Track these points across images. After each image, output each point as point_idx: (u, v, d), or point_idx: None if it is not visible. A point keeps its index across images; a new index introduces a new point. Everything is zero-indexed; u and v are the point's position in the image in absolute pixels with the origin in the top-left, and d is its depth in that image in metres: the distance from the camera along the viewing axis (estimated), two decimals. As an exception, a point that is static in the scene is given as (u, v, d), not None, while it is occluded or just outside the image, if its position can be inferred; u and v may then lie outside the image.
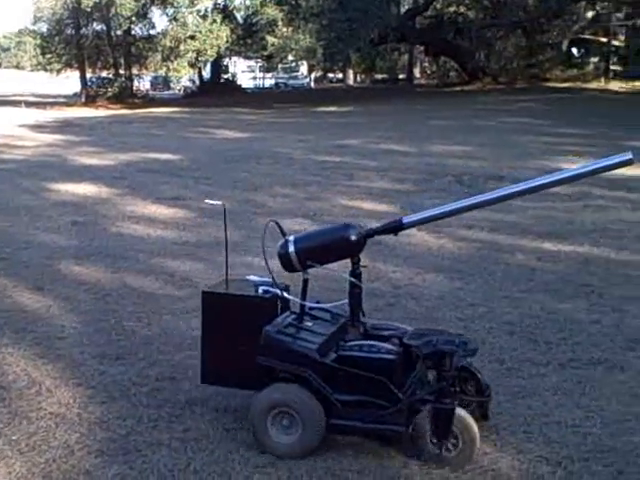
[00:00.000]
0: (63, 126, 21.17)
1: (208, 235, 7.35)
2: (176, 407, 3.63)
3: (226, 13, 32.45)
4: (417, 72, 44.34)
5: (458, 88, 30.38)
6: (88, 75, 36.38)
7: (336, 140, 15.16)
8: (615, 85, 27.13)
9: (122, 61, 37.22)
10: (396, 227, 3.30)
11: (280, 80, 48.82)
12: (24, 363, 4.19)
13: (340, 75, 46.97)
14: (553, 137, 14.81)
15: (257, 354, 3.15)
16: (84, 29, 35.47)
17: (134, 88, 37.46)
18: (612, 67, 31.09)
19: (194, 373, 4.00)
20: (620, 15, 30.86)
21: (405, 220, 3.29)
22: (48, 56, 36.43)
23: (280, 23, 31.98)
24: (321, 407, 3.07)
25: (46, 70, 37.84)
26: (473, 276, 5.86)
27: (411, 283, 5.75)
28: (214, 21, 31.48)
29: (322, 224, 7.72)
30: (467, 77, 32.11)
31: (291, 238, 3.30)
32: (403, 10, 33.07)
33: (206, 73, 39.82)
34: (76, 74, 36.83)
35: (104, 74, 37.58)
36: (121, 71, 37.16)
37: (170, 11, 33.28)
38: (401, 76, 44.38)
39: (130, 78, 37.17)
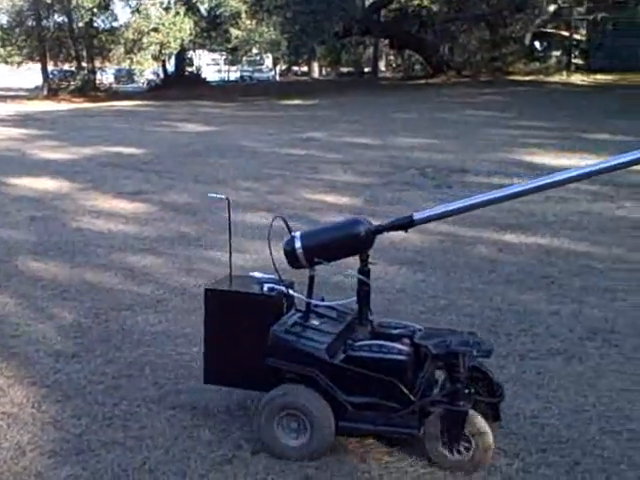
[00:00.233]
0: (24, 120, 20.84)
1: (169, 230, 7.28)
2: (132, 405, 3.56)
3: (189, 5, 32.06)
4: (382, 65, 44.41)
5: (423, 81, 30.45)
6: (50, 68, 35.85)
7: (301, 133, 15.11)
8: (577, 78, 27.41)
9: (84, 54, 36.72)
10: (406, 223, 3.20)
11: (245, 73, 48.54)
12: (-23, 362, 4.10)
13: (305, 68, 46.86)
14: (516, 130, 14.92)
15: (264, 355, 3.07)
16: (45, 21, 34.94)
17: (97, 81, 37.00)
18: (574, 61, 31.43)
19: (151, 370, 3.96)
20: (581, 9, 31.18)
21: (416, 216, 3.17)
22: (8, 48, 35.77)
23: (244, 16, 31.72)
24: (330, 409, 3.00)
25: (6, 63, 37.17)
26: (435, 269, 5.86)
27: (373, 276, 5.72)
28: (177, 13, 31.11)
29: (286, 217, 7.68)
30: (432, 70, 32.19)
31: (297, 234, 3.21)
32: (367, 3, 33.04)
33: (170, 66, 39.42)
34: (37, 67, 36.27)
35: (66, 67, 37.08)
36: (84, 64, 36.65)
37: (133, 3, 32.90)
38: (367, 69, 44.38)
39: (93, 71, 36.68)
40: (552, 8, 31.57)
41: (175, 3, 31.74)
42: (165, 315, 4.84)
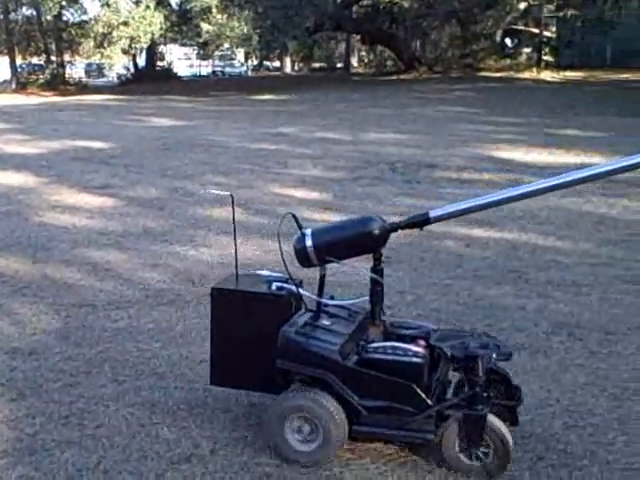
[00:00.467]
0: (-10, 114, 20.50)
1: (135, 225, 7.17)
2: (90, 403, 3.48)
3: (160, -1, 31.88)
4: (355, 61, 44.40)
5: (394, 77, 30.47)
6: (18, 61, 35.37)
7: (271, 128, 15.03)
8: (547, 75, 27.59)
9: (54, 47, 36.29)
10: (422, 221, 3.07)
11: (217, 68, 48.28)
12: None
13: (278, 63, 46.71)
14: (486, 125, 14.97)
15: (273, 356, 2.96)
16: (13, 14, 34.49)
17: (67, 75, 36.57)
18: (544, 57, 31.64)
19: (111, 367, 3.88)
20: (551, 7, 31.37)
21: (432, 214, 3.05)
22: (-24, 42, 35.30)
23: (215, 10, 31.51)
24: (343, 413, 2.90)
25: (-26, 56, 36.65)
26: (402, 263, 5.83)
27: (340, 271, 5.67)
28: (147, 7, 30.85)
29: (254, 213, 7.63)
30: (403, 66, 32.23)
31: (308, 231, 3.08)
32: (339, -1, 32.98)
33: (141, 60, 39.10)
34: (6, 60, 35.76)
35: (35, 60, 36.62)
36: (53, 58, 36.23)
37: (102, -4, 32.54)
38: (339, 65, 44.37)
39: (62, 65, 36.26)
40: (522, 5, 31.74)
41: (145, -4, 31.46)
42: (127, 311, 4.75)
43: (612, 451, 3.11)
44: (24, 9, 34.41)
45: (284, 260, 3.10)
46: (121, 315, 4.69)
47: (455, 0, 30.64)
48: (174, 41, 40.09)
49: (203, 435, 3.17)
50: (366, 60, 44.52)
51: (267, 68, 48.73)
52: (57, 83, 33.66)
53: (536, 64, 30.44)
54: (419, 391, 2.87)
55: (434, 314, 4.69)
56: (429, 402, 2.88)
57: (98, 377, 3.76)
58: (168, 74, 38.22)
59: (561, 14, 30.25)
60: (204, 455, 3.02)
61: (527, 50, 34.04)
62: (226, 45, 39.25)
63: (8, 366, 3.90)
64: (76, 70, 40.47)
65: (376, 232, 3.04)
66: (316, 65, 47.00)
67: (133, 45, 31.78)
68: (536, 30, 32.67)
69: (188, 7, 33.07)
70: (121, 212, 7.75)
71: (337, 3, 31.28)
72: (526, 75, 27.77)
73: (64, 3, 32.04)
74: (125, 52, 33.31)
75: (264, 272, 3.36)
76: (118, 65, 38.52)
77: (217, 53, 46.94)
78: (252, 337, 3.12)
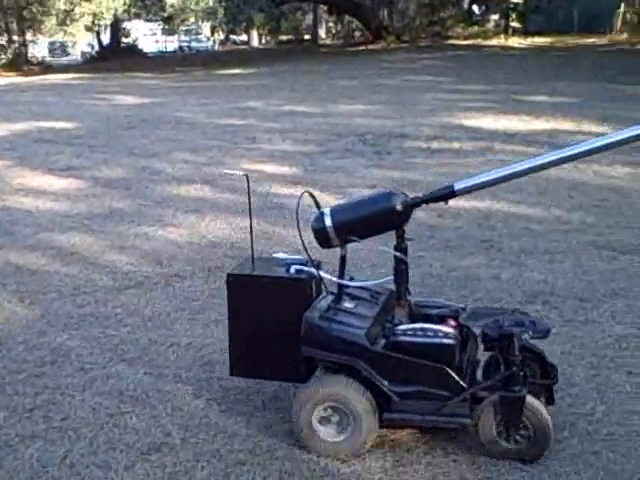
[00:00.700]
0: (-50, 96, 20.02)
1: (101, 206, 7.01)
2: (55, 394, 3.36)
3: (122, -26, 31.20)
4: (322, 32, 43.97)
5: (362, 47, 30.23)
6: (-22, 42, 34.55)
7: (239, 103, 14.80)
8: (515, 41, 27.52)
9: (15, 26, 35.46)
10: (447, 194, 2.91)
11: (183, 43, 47.61)
12: None
13: (245, 37, 46.16)
14: (455, 94, 14.86)
15: (296, 344, 2.84)
16: (-29, -7, 33.57)
17: (30, 55, 35.80)
18: (511, 24, 31.54)
19: (77, 355, 3.77)
20: (518, -28, 31.25)
21: (457, 186, 2.89)
22: None
23: (178, -17, 31.05)
24: (374, 400, 2.78)
25: None
26: (374, 239, 5.73)
27: (311, 247, 5.59)
28: (109, -18, 30.24)
29: (223, 190, 7.50)
30: (371, 36, 31.97)
31: (327, 210, 2.93)
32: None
33: (106, 37, 38.41)
34: (-35, 41, 34.92)
35: (-5, 41, 35.75)
36: (15, 37, 35.42)
37: (63, -28, 31.78)
38: (306, 37, 43.94)
39: (24, 44, 35.47)
40: (489, -29, 31.57)
41: (107, -29, 30.79)
42: (94, 296, 4.63)
43: (592, 421, 3.07)
44: (-18, -12, 33.49)
45: (303, 241, 2.94)
46: (87, 300, 4.57)
47: (421, -33, 30.38)
48: (138, 17, 39.32)
49: (174, 423, 3.08)
50: (334, 31, 44.12)
51: (234, 42, 48.14)
52: (20, 63, 32.89)
53: (504, 31, 30.36)
54: (452, 374, 2.75)
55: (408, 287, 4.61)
56: (463, 385, 2.77)
57: (64, 366, 3.65)
58: (133, 51, 37.57)
59: (528, -21, 30.14)
60: (175, 444, 2.93)
61: (495, 17, 33.94)
62: (191, 19, 38.69)
63: (-31, 358, 3.78)
64: (39, 49, 39.64)
65: (399, 208, 2.88)
66: (283, 38, 46.47)
67: (96, 22, 31.16)
68: (503, -4, 32.53)
69: (151, -19, 32.49)
70: (86, 193, 7.58)
71: (302, -27, 30.91)
72: (494, 42, 27.68)
73: (23, -20, 31.24)
74: (88, 29, 32.68)
75: (280, 255, 3.23)
76: (82, 43, 37.84)
77: (183, 28, 46.31)
78: (272, 324, 2.99)
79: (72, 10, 30.79)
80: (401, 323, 2.91)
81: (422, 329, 2.85)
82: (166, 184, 7.83)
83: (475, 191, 2.98)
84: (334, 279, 2.98)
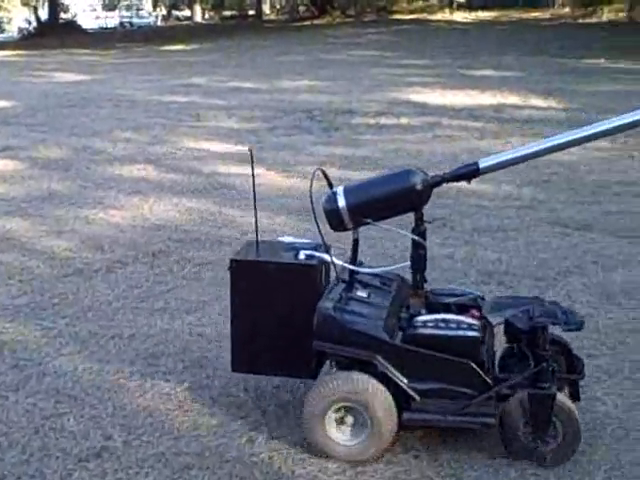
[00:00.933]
0: None
1: (39, 188, 6.70)
2: (-15, 395, 3.14)
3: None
4: (267, 8, 43.42)
5: (308, 23, 29.95)
6: None
7: (183, 79, 14.46)
8: (459, 16, 27.56)
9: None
10: (471, 172, 2.69)
11: (124, 19, 46.52)
12: None
13: (188, 12, 45.33)
14: (402, 69, 14.77)
15: (308, 336, 2.58)
16: None
17: (-38, 31, 34.65)
18: (456, -2, 31.60)
19: (10, 351, 3.53)
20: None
21: (482, 164, 2.67)
22: None
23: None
24: (392, 399, 2.55)
25: None
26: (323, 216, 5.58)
27: (260, 228, 5.42)
28: (45, -45, 29.32)
29: (167, 169, 7.25)
30: (316, 11, 31.70)
31: (340, 190, 2.69)
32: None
33: (44, 13, 37.28)
34: None
35: None
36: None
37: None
38: (251, 12, 43.33)
39: (-44, 21, 34.33)
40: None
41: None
42: (30, 285, 4.37)
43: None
44: None
45: (317, 223, 2.67)
46: (23, 289, 4.31)
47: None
48: (77, -9, 38.35)
49: (115, 424, 2.87)
50: (278, 6, 43.62)
51: (177, 18, 47.30)
52: (-48, 40, 31.82)
53: (448, 5, 30.36)
54: (477, 369, 2.54)
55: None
56: (489, 381, 2.55)
57: (-7, 364, 3.41)
58: (72, 27, 36.54)
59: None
60: (116, 448, 2.71)
61: (439, -9, 33.92)
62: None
63: None
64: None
65: (419, 187, 2.65)
66: (227, 13, 45.80)
67: (32, -4, 30.20)
68: (447, -30, 32.52)
69: (88, -46, 31.54)
70: (23, 175, 7.24)
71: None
72: (439, 17, 27.69)
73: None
74: (25, 4, 31.68)
75: (287, 238, 2.97)
76: (18, 18, 36.66)
77: (124, 3, 45.25)
78: (280, 315, 2.73)
79: (7, -16, 29.78)
80: (419, 314, 2.69)
81: (444, 320, 2.62)
82: (107, 164, 7.54)
83: (501, 169, 2.75)
84: (348, 265, 2.76)
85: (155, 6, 45.63)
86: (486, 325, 2.71)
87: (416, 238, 2.71)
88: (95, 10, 47.13)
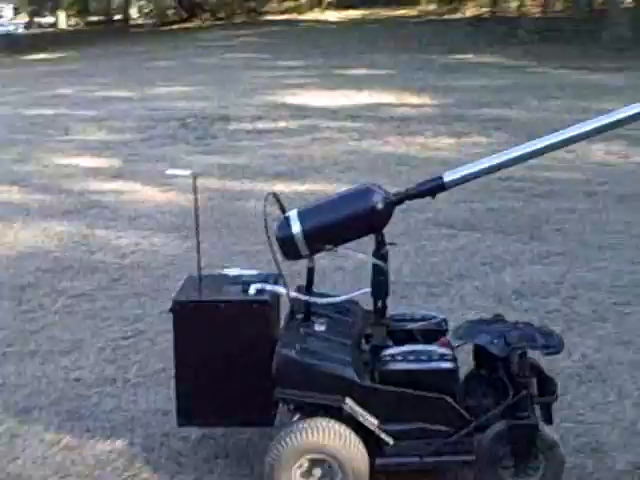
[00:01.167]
0: None
1: None
2: None
3: None
4: (134, 12, 42.34)
5: (177, 26, 29.36)
6: None
7: (48, 90, 13.75)
8: (331, 15, 27.65)
9: None
10: (435, 187, 2.45)
11: (-18, 27, 44.30)
12: None
13: (52, 19, 43.65)
14: (276, 71, 14.64)
15: (266, 380, 2.33)
16: None
17: None
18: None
19: None
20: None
21: (447, 178, 2.43)
22: None
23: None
24: (364, 446, 2.30)
25: None
26: (206, 231, 5.26)
27: (138, 249, 5.12)
28: None
29: (33, 190, 6.78)
30: (186, 14, 31.14)
31: (293, 213, 2.43)
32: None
33: None
34: None
35: None
36: None
37: None
38: (117, 17, 42.14)
39: None
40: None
41: None
42: None
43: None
44: None
45: (273, 252, 2.41)
46: None
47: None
48: None
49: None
50: (146, 10, 42.61)
51: (40, 25, 45.44)
52: None
53: (318, 4, 30.45)
54: (453, 404, 2.34)
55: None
56: (466, 415, 2.35)
57: None
58: None
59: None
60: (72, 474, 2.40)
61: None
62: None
63: None
64: None
65: (379, 206, 2.43)
66: (93, 18, 44.37)
67: None
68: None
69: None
70: None
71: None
72: (310, 16, 27.69)
73: None
74: None
75: (233, 270, 2.67)
76: None
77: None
78: (231, 359, 2.45)
79: None
80: (384, 346, 2.46)
81: (413, 352, 2.40)
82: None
83: (467, 182, 2.51)
84: (303, 297, 2.47)
85: (16, 13, 43.67)
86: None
87: (378, 262, 2.51)
88: (-50, 19, 44.66)
